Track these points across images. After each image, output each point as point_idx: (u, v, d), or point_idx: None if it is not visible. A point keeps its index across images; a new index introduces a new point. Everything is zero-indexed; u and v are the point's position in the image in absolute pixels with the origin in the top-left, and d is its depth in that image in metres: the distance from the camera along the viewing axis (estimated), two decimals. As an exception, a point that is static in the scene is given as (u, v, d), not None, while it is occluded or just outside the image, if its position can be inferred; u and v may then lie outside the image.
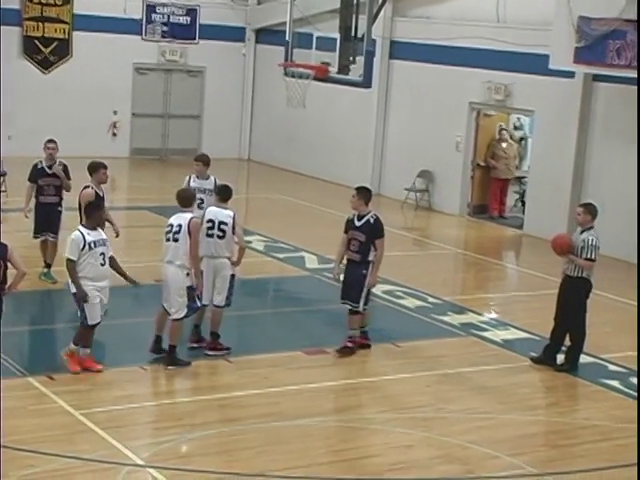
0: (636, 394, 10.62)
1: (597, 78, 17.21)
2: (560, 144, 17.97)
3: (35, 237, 13.40)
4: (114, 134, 24.06)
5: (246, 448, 8.68)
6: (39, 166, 13.26)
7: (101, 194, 11.94)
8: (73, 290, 9.97)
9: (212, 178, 12.59)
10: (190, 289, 10.33)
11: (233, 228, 10.71)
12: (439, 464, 8.65)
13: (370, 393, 10.29)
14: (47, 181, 13.20)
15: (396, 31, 21.25)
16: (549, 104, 18.21)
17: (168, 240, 10.34)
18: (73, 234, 9.98)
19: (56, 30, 23.13)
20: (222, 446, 8.74)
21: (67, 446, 8.41)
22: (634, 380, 11.05)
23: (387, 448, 8.87)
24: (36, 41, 22.94)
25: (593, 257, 10.97)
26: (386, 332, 12.48)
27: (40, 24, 22.90)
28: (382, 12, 19.23)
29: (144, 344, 10.59)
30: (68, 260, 9.88)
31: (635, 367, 11.49)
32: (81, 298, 9.93)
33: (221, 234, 10.69)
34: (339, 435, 9.25)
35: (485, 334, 12.37)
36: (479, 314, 13.26)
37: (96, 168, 12.01)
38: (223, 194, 11.00)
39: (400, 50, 21.16)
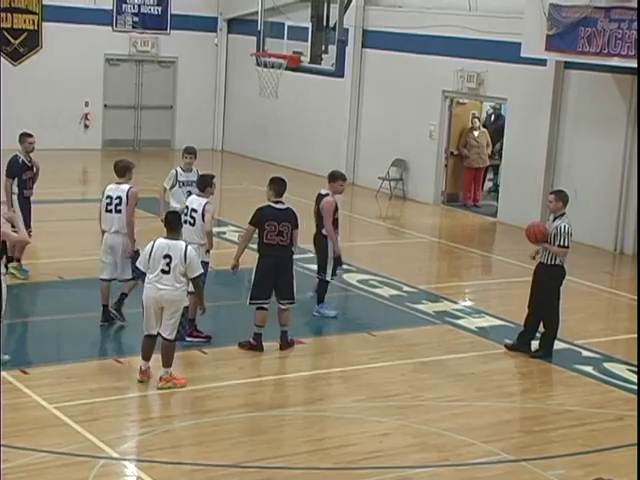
0: (610, 379, 10.71)
1: (569, 65, 17.25)
2: (533, 132, 18.03)
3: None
4: (86, 126, 23.89)
5: (223, 439, 8.67)
6: (20, 160, 13.16)
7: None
8: (185, 304, 9.70)
9: (195, 170, 12.84)
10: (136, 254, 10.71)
11: (203, 216, 10.85)
12: (415, 452, 8.67)
13: (346, 382, 10.29)
14: (29, 175, 13.25)
15: (368, 20, 21.20)
16: (521, 92, 18.25)
17: (110, 212, 11.00)
18: (190, 250, 9.63)
19: (25, 21, 22.89)
20: (198, 437, 8.71)
21: (41, 440, 8.36)
22: (607, 366, 11.14)
23: (363, 437, 8.88)
24: (5, 32, 22.69)
25: (566, 244, 11.02)
26: (361, 321, 12.52)
27: (9, 15, 22.63)
28: (354, 1, 19.21)
29: (118, 337, 10.55)
30: (201, 276, 9.73)
31: (608, 352, 11.59)
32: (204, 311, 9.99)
33: (192, 220, 10.90)
34: (315, 425, 9.24)
35: (460, 322, 12.41)
36: (454, 302, 13.30)
37: (337, 179, 12.03)
38: (198, 184, 11.39)
39: (372, 39, 21.12)
